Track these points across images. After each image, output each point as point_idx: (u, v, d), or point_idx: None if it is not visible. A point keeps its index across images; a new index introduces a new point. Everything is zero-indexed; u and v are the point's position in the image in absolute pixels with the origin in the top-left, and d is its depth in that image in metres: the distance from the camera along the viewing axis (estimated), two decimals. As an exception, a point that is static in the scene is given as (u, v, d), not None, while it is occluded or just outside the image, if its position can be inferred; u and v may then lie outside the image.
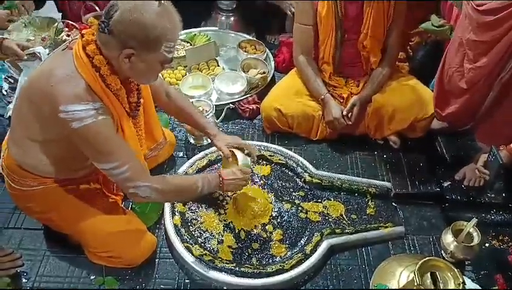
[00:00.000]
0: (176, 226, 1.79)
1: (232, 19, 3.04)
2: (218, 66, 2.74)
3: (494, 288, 1.75)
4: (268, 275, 1.69)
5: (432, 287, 1.44)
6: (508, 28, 1.70)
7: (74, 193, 1.64)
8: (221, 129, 2.36)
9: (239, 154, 1.78)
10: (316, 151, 2.30)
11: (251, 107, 2.43)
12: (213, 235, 1.81)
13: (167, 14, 1.32)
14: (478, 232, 1.74)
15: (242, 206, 1.88)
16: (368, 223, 1.92)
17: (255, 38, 2.91)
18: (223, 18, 3.04)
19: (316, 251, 1.77)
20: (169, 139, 2.10)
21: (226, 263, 1.71)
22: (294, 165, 2.11)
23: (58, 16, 2.61)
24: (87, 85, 1.34)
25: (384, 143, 2.34)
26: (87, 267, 1.73)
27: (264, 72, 2.63)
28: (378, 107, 2.23)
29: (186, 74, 2.63)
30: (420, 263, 1.47)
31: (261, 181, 2.04)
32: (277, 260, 1.77)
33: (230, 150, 1.81)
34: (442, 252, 1.82)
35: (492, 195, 2.07)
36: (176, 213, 1.84)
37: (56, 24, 2.49)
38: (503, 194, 2.07)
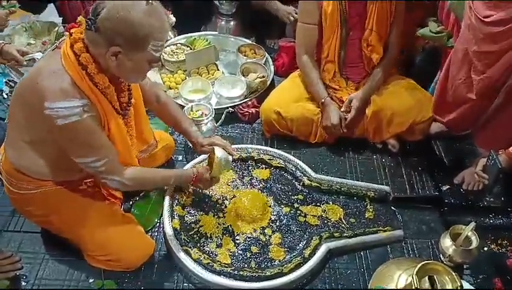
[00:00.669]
0: (174, 229, 1.79)
1: (232, 23, 3.06)
2: (218, 70, 2.75)
3: (492, 292, 1.75)
4: (267, 278, 1.68)
5: (430, 291, 1.44)
6: None
7: (72, 196, 1.65)
8: (220, 133, 2.37)
9: (218, 151, 1.77)
10: (315, 155, 2.30)
11: (250, 111, 2.44)
12: (212, 239, 1.82)
13: (155, 13, 1.31)
14: (476, 236, 1.74)
15: (241, 209, 1.88)
16: (366, 227, 1.92)
17: (254, 43, 2.92)
18: (223, 22, 3.05)
19: (314, 254, 1.77)
20: (168, 143, 2.11)
21: (225, 266, 1.71)
22: (293, 168, 2.11)
23: (58, 20, 2.62)
24: (73, 81, 1.34)
25: (383, 147, 2.35)
26: (86, 271, 1.73)
27: (263, 76, 2.64)
28: (377, 110, 2.24)
29: (185, 78, 2.64)
30: (418, 266, 1.47)
31: (260, 185, 2.04)
32: (276, 263, 1.76)
33: (211, 148, 1.81)
34: (441, 255, 1.82)
35: (491, 199, 2.07)
36: (175, 216, 1.84)
37: (57, 28, 2.50)
38: (502, 198, 2.08)
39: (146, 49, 1.34)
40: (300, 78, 2.41)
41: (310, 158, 2.26)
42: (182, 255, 1.72)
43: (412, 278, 1.45)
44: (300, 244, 1.83)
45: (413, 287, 1.43)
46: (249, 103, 2.48)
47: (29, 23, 2.51)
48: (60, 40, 1.43)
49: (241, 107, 2.46)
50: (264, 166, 2.13)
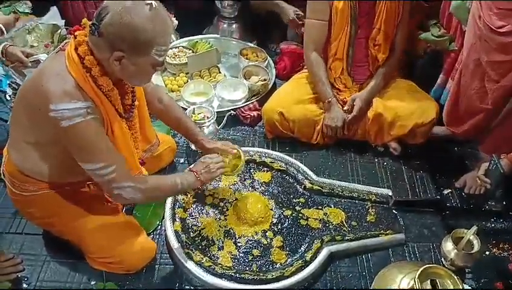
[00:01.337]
0: (176, 232, 1.79)
1: (234, 26, 3.06)
2: (220, 73, 2.75)
3: (494, 296, 1.75)
4: (269, 281, 1.68)
5: (432, 295, 1.44)
6: None
7: (74, 199, 1.65)
8: (222, 136, 2.38)
9: (243, 155, 1.83)
10: (316, 158, 2.30)
11: (252, 114, 2.45)
12: (213, 242, 1.82)
13: (158, 18, 1.31)
14: (478, 240, 1.74)
15: (243, 212, 1.88)
16: (368, 230, 1.92)
17: (256, 46, 2.92)
18: (225, 25, 3.06)
19: (316, 257, 1.77)
20: (170, 145, 2.11)
21: (226, 269, 1.71)
22: (295, 171, 2.11)
23: (61, 22, 2.62)
24: (76, 83, 1.34)
25: (384, 150, 2.35)
26: (88, 273, 1.73)
27: (265, 79, 2.64)
28: (378, 113, 2.25)
29: (187, 81, 2.64)
30: (420, 270, 1.47)
31: (262, 187, 2.04)
32: (277, 266, 1.76)
33: (231, 147, 1.84)
34: (443, 259, 1.82)
35: (493, 203, 2.08)
36: (177, 219, 1.84)
37: (59, 31, 2.51)
38: (504, 202, 2.08)
39: (149, 54, 1.34)
40: (303, 80, 2.41)
41: (312, 161, 2.27)
42: (184, 258, 1.72)
43: (414, 281, 1.44)
44: (301, 248, 1.83)
45: (415, 291, 1.43)
46: (251, 105, 2.49)
47: (32, 26, 2.52)
48: (64, 42, 1.43)
49: (242, 110, 2.47)
50: (265, 169, 2.13)
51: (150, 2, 1.29)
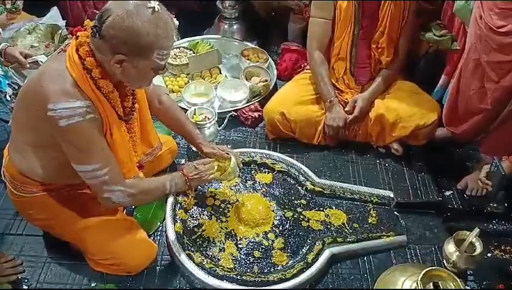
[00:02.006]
0: (177, 233, 1.78)
1: (235, 27, 3.06)
2: (221, 73, 2.75)
3: (496, 298, 1.74)
4: (270, 283, 1.68)
5: (435, 297, 1.44)
6: None
7: (75, 200, 1.65)
8: (223, 137, 2.37)
9: (233, 158, 1.83)
10: (318, 159, 2.30)
11: (253, 115, 2.44)
12: (215, 243, 1.81)
13: (160, 22, 1.31)
14: (480, 242, 1.73)
15: (244, 214, 1.87)
16: (369, 232, 1.92)
17: (257, 47, 2.92)
18: (226, 26, 3.05)
19: (317, 259, 1.77)
20: (171, 146, 2.10)
21: (228, 271, 1.71)
22: (296, 173, 2.11)
23: (62, 23, 2.62)
24: (75, 83, 1.34)
25: (386, 152, 2.34)
26: (88, 274, 1.72)
27: (266, 80, 2.64)
28: (380, 114, 2.24)
29: (188, 82, 2.64)
30: (423, 272, 1.47)
31: (263, 189, 2.03)
32: (279, 268, 1.76)
33: (227, 152, 1.85)
34: (445, 261, 1.81)
35: (495, 205, 2.07)
36: (178, 220, 1.83)
37: (60, 31, 2.50)
38: (506, 204, 2.07)
39: (151, 57, 1.34)
40: (304, 81, 2.41)
41: (313, 163, 2.26)
42: (185, 260, 1.71)
43: (417, 284, 1.44)
44: (303, 249, 1.83)
45: (418, 294, 1.43)
46: (252, 106, 2.48)
47: (33, 26, 2.51)
48: (66, 43, 1.43)
49: (243, 111, 2.46)
50: (267, 170, 2.12)
51: (152, 5, 1.28)
